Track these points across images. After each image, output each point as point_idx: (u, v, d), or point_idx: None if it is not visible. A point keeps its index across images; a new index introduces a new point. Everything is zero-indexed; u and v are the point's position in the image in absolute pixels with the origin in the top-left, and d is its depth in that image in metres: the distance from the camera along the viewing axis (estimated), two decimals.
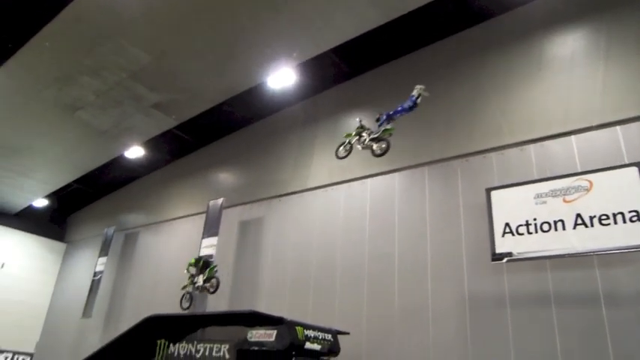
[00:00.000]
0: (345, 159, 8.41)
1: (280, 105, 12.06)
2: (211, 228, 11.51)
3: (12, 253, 18.04)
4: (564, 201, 6.33)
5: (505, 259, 6.56)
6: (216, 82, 10.62)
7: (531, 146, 7.65)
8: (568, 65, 7.76)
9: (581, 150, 7.11)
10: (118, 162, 14.87)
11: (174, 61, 9.91)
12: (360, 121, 8.08)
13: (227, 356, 6.54)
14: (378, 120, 7.71)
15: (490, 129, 8.24)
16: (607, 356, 5.88)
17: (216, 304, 10.71)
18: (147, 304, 12.15)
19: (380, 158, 7.78)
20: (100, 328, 14.38)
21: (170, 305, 10.56)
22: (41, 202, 17.97)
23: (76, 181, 16.55)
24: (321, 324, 6.87)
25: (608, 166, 6.31)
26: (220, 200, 11.77)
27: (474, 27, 9.07)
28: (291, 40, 9.21)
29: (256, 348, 6.20)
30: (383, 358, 7.90)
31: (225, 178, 13.60)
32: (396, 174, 9.27)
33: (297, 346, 6.03)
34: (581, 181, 6.30)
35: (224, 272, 11.18)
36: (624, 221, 5.76)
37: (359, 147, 8.01)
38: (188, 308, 10.60)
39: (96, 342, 12.66)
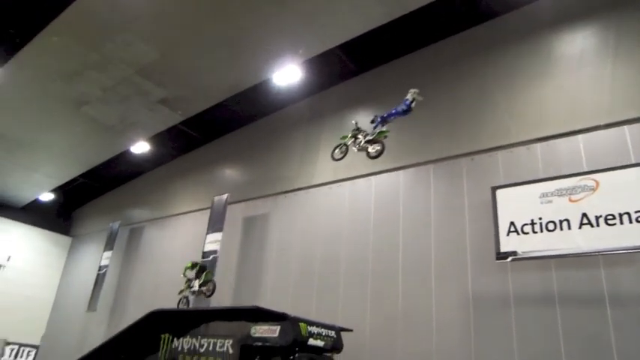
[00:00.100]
0: (349, 157, 8.38)
1: (286, 102, 12.06)
2: (216, 224, 11.52)
3: (18, 246, 18.14)
4: (570, 200, 6.28)
5: (510, 258, 6.52)
6: (223, 78, 10.63)
7: (538, 145, 7.60)
8: (576, 64, 7.70)
9: (587, 149, 7.06)
10: (124, 157, 14.94)
11: (181, 57, 9.95)
12: (356, 123, 8.09)
13: (230, 351, 6.57)
14: (373, 122, 7.75)
15: (497, 127, 8.20)
16: (611, 357, 5.84)
17: (220, 299, 10.75)
18: (151, 299, 12.19)
19: (384, 156, 7.75)
20: (105, 322, 14.48)
21: (174, 300, 10.60)
22: (47, 196, 18.09)
23: (81, 176, 16.64)
24: (325, 320, 6.89)
25: (615, 165, 6.26)
26: (225, 196, 11.78)
27: (480, 25, 9.02)
28: (297, 37, 9.22)
29: (260, 343, 6.22)
30: (385, 355, 7.90)
31: (231, 174, 13.63)
32: (401, 172, 9.25)
33: (300, 342, 6.05)
34: (587, 180, 6.25)
35: (228, 268, 11.23)
36: (630, 221, 5.72)
37: (354, 149, 8.01)
38: None
39: (101, 335, 12.80)
